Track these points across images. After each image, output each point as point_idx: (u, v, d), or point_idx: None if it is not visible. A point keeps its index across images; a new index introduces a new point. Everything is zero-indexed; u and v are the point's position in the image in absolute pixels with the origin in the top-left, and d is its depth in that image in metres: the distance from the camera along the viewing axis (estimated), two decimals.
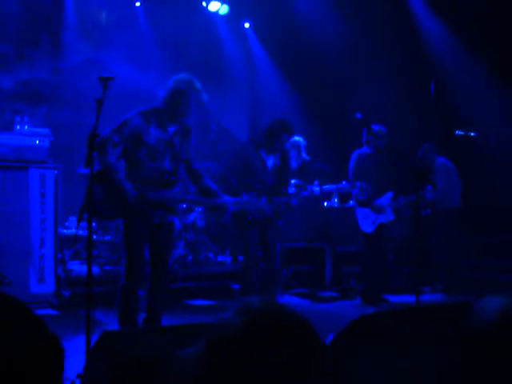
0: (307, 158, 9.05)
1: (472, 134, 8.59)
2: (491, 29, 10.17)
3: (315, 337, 1.39)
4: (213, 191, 5.74)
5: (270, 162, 6.95)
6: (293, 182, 8.11)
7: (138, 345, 3.09)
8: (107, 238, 8.90)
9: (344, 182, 7.85)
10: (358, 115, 7.11)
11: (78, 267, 8.45)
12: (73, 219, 9.54)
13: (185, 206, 9.22)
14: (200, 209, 9.93)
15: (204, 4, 12.09)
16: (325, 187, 7.27)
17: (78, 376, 3.94)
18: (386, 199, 8.12)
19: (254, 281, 6.81)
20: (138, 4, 11.81)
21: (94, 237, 8.52)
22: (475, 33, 10.39)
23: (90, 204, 4.65)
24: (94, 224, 7.92)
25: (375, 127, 7.95)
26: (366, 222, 8.08)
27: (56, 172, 7.41)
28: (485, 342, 1.49)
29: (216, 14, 12.34)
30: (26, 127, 7.56)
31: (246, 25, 13.28)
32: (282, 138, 6.90)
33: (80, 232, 9.23)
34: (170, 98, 5.55)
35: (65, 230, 9.12)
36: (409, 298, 8.00)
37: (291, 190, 7.54)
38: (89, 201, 4.59)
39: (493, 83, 10.45)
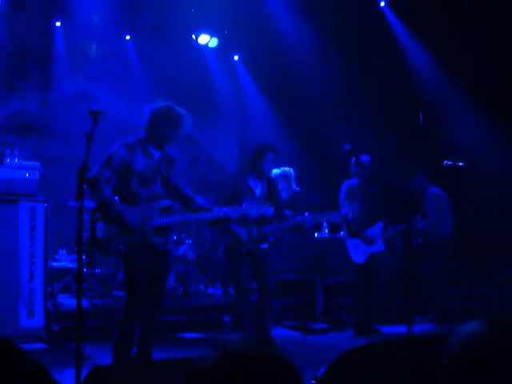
0: (297, 189, 9.05)
1: (460, 163, 8.62)
2: (478, 60, 10.29)
3: (297, 377, 1.37)
4: (208, 208, 5.73)
5: (258, 190, 6.94)
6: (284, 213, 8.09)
7: (129, 380, 3.05)
8: (97, 270, 8.84)
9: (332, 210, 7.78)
10: (347, 146, 7.14)
11: (67, 301, 8.38)
12: (63, 252, 9.49)
13: (175, 237, 9.19)
14: (190, 241, 9.90)
15: (194, 37, 12.20)
16: (312, 216, 7.21)
17: None
18: (376, 229, 8.11)
19: (246, 314, 6.76)
20: (127, 37, 11.90)
21: (84, 270, 8.46)
22: (463, 64, 10.50)
23: (92, 241, 4.63)
24: (83, 257, 7.90)
25: (361, 157, 7.98)
26: (357, 252, 8.07)
27: (46, 205, 7.38)
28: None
29: (205, 46, 12.44)
30: (16, 160, 7.55)
31: (236, 57, 13.39)
32: (267, 158, 6.86)
33: (70, 265, 9.20)
34: (153, 126, 5.56)
35: (54, 263, 9.06)
36: (401, 329, 7.96)
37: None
38: (81, 239, 4.55)
39: (480, 113, 10.54)
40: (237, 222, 6.62)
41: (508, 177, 9.63)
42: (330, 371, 3.10)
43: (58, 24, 11.20)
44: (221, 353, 1.34)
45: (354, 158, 7.80)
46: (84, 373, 2.98)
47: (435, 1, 10.29)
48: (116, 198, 5.48)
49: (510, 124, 10.02)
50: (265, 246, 6.85)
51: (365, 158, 8.00)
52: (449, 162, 8.54)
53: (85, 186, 4.67)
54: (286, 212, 7.62)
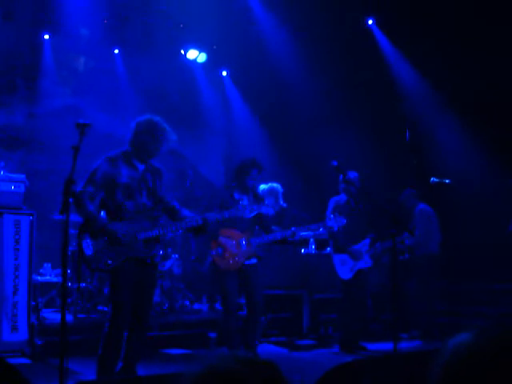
0: (284, 204, 9.05)
1: (447, 180, 8.66)
2: (465, 78, 10.37)
3: None
4: (192, 216, 5.70)
5: (246, 204, 6.92)
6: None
7: None
8: (82, 285, 8.76)
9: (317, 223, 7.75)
10: (334, 163, 7.15)
11: (51, 315, 8.30)
12: (47, 266, 9.41)
13: (162, 252, 9.15)
14: (177, 256, 9.86)
15: (182, 52, 12.22)
16: (299, 230, 7.21)
17: None
18: (363, 245, 8.11)
19: (233, 329, 6.72)
20: (116, 51, 11.90)
21: (69, 284, 8.40)
22: (449, 81, 10.58)
23: (80, 257, 4.60)
24: (68, 271, 7.84)
25: (348, 173, 7.99)
26: (344, 268, 8.05)
27: (31, 218, 7.32)
28: None
29: (194, 61, 12.47)
30: (2, 172, 7.50)
31: (224, 73, 13.43)
32: (251, 174, 6.87)
33: (54, 279, 9.13)
34: (139, 138, 5.54)
35: (39, 277, 8.98)
36: (387, 346, 7.96)
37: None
38: (66, 252, 4.51)
39: (467, 131, 10.61)
40: (225, 235, 6.63)
41: (493, 194, 9.68)
42: None
43: (46, 37, 11.19)
44: (207, 369, 1.33)
45: (341, 175, 7.80)
46: None
47: (422, 19, 10.36)
48: (103, 212, 5.44)
49: (495, 142, 10.09)
50: (254, 261, 6.83)
51: (353, 175, 8.01)
52: (435, 179, 8.59)
53: (70, 199, 4.64)
54: (272, 227, 7.61)
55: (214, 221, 5.77)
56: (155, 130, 5.54)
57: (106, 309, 8.44)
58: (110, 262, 5.27)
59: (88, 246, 5.27)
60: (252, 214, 6.42)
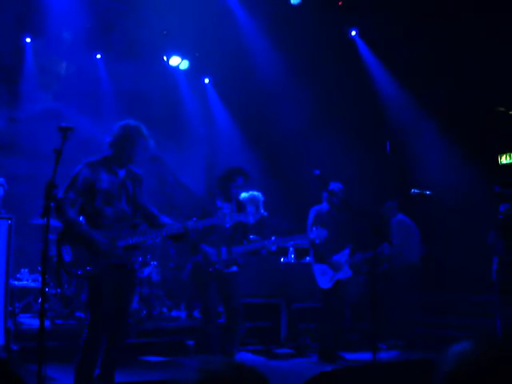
0: (265, 213, 9.05)
1: (427, 192, 8.72)
2: (447, 91, 10.47)
3: None
4: (171, 223, 5.67)
5: (226, 212, 6.91)
6: (250, 237, 8.07)
7: None
8: (60, 290, 8.68)
9: (299, 234, 7.78)
10: (317, 172, 7.16)
11: (28, 320, 8.22)
12: (25, 271, 9.32)
13: (141, 258, 9.10)
14: (156, 262, 9.82)
15: (165, 58, 12.21)
16: (281, 239, 7.22)
17: None
18: (343, 256, 8.13)
19: (212, 337, 6.69)
20: (98, 56, 11.86)
21: (46, 289, 8.31)
22: (431, 94, 10.68)
23: (59, 263, 4.55)
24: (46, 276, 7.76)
25: (331, 184, 8.02)
26: (324, 278, 8.06)
27: (9, 222, 7.23)
28: None
29: (176, 68, 12.46)
30: None
31: (206, 80, 13.45)
32: (237, 182, 6.87)
33: (31, 284, 9.04)
34: (116, 143, 5.52)
35: (16, 282, 8.89)
36: (365, 355, 7.98)
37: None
38: (45, 257, 4.47)
39: (448, 143, 10.70)
40: (206, 241, 6.62)
41: (474, 206, 9.75)
42: None
43: (28, 40, 11.12)
44: (202, 374, 1.33)
45: (323, 185, 7.83)
46: None
47: (405, 31, 10.45)
48: (81, 218, 5.39)
49: (476, 153, 10.19)
50: (234, 269, 6.82)
51: (338, 187, 8.05)
52: (416, 191, 8.64)
53: (52, 204, 4.60)
54: (252, 236, 7.63)
55: (194, 229, 5.75)
56: (133, 135, 5.51)
57: (83, 315, 8.37)
58: (89, 268, 5.22)
59: (67, 252, 5.23)
60: (231, 223, 6.41)
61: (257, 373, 1.39)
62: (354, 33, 11.85)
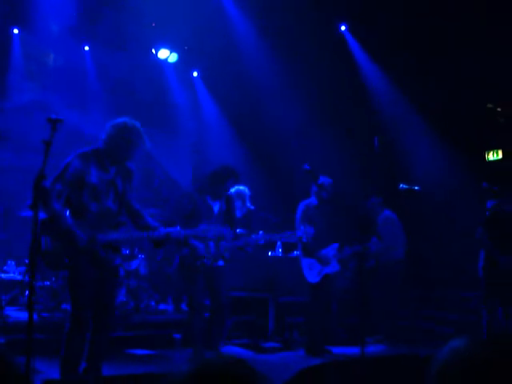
0: (252, 207, 9.04)
1: (416, 187, 8.74)
2: (436, 88, 10.50)
3: None
4: (154, 227, 5.63)
5: (216, 207, 6.92)
6: (237, 231, 8.07)
7: None
8: (46, 283, 8.65)
9: (287, 231, 7.79)
10: (306, 166, 7.17)
11: (15, 313, 8.18)
12: (11, 263, 9.27)
13: (128, 252, 9.08)
14: (143, 256, 9.80)
15: (153, 51, 12.15)
16: (269, 236, 7.25)
17: None
18: (331, 250, 8.14)
19: (199, 330, 6.69)
20: (86, 48, 11.79)
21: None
22: (420, 90, 10.70)
23: (37, 253, 4.51)
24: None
25: (321, 178, 8.03)
26: (312, 272, 8.07)
27: None
28: None
29: (165, 61, 12.41)
30: None
31: (195, 73, 13.40)
32: (227, 184, 6.89)
33: (19, 277, 8.99)
34: (112, 142, 5.46)
35: (2, 275, 8.85)
36: (351, 350, 8.01)
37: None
38: (35, 249, 4.44)
39: (436, 139, 10.74)
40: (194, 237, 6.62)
41: (461, 201, 9.80)
42: None
43: (15, 31, 11.04)
44: (197, 368, 1.33)
45: (312, 179, 7.84)
46: None
47: (395, 27, 10.46)
48: (66, 210, 5.35)
49: (463, 151, 10.23)
50: (221, 263, 6.82)
51: (327, 181, 8.07)
52: (404, 186, 8.65)
53: (40, 195, 4.56)
54: (239, 231, 7.62)
55: (176, 238, 5.72)
56: (130, 136, 5.46)
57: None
58: (66, 260, 5.20)
59: (46, 243, 5.20)
60: (214, 238, 6.42)
61: (251, 369, 1.40)
62: (343, 28, 11.84)
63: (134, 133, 5.48)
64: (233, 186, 7.19)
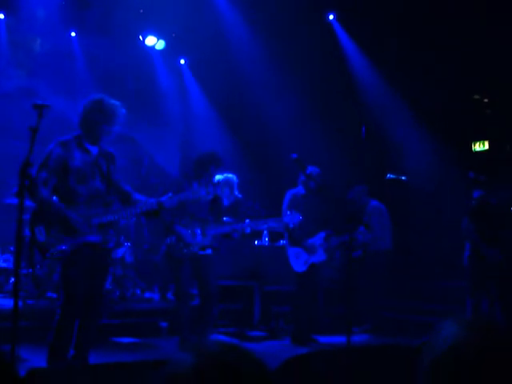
0: (239, 196, 9.03)
1: (403, 177, 8.78)
2: (424, 77, 10.51)
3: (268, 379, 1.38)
4: (146, 200, 5.62)
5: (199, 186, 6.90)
6: (224, 219, 8.06)
7: (67, 383, 2.96)
8: (31, 270, 8.60)
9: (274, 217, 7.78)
10: (294, 155, 7.16)
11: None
12: None
13: (115, 239, 9.04)
14: (129, 243, 9.77)
15: (141, 38, 12.07)
16: (255, 222, 7.25)
17: None
18: (318, 239, 8.15)
19: (185, 319, 6.69)
20: (73, 34, 11.70)
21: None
22: (407, 80, 10.71)
23: (33, 245, 4.47)
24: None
25: (309, 168, 8.03)
26: (298, 261, 8.08)
27: None
28: None
29: (152, 48, 12.34)
30: None
31: (182, 61, 13.33)
32: (210, 170, 6.87)
33: (3, 264, 8.94)
34: (85, 120, 5.45)
35: None
36: (337, 339, 8.04)
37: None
38: (20, 237, 4.40)
39: (423, 129, 10.76)
40: (181, 223, 6.61)
41: (448, 192, 9.83)
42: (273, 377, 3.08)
43: (1, 16, 10.93)
44: (201, 357, 1.32)
45: (299, 169, 7.83)
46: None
47: (382, 17, 10.44)
48: (54, 198, 5.32)
49: (450, 141, 10.27)
50: (209, 251, 6.81)
51: (315, 171, 8.07)
52: (391, 176, 8.68)
53: (26, 182, 4.53)
54: (226, 219, 7.62)
55: (169, 205, 5.68)
56: (104, 107, 5.44)
57: (55, 295, 8.32)
58: (64, 247, 5.17)
59: (41, 233, 5.17)
60: (209, 197, 6.41)
61: (254, 357, 1.39)
62: (331, 17, 11.80)
63: (106, 102, 5.46)
64: (217, 173, 7.17)
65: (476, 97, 10.25)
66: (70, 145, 5.40)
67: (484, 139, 10.85)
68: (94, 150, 5.51)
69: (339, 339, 7.78)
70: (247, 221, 7.31)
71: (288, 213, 7.50)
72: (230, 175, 8.92)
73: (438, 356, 1.48)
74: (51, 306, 7.13)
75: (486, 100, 10.45)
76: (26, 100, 8.19)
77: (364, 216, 9.34)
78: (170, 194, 5.69)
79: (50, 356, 5.25)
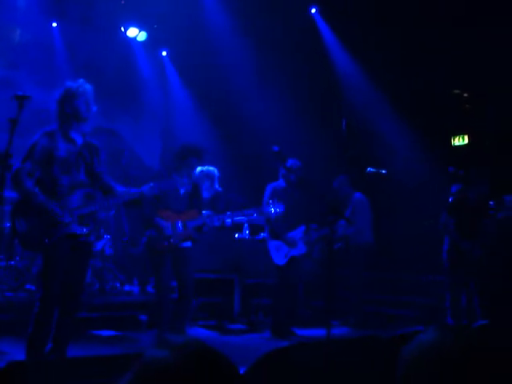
0: (220, 189, 9.03)
1: (383, 171, 8.80)
2: (405, 70, 10.54)
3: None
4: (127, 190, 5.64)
5: (183, 188, 6.90)
6: (204, 212, 8.04)
7: (45, 376, 2.95)
8: (11, 263, 8.54)
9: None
10: (276, 148, 7.16)
11: None
12: None
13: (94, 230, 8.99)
14: (109, 236, 9.73)
15: (122, 29, 12.00)
16: (236, 217, 7.24)
17: None
18: (298, 232, 8.17)
19: (165, 312, 6.68)
20: (54, 24, 11.59)
21: None
22: (389, 73, 10.74)
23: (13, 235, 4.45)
24: None
25: (289, 161, 8.04)
26: (279, 254, 8.10)
27: None
28: None
29: (134, 40, 12.27)
30: None
31: (164, 53, 13.27)
32: (191, 163, 6.86)
33: None
34: (62, 110, 5.44)
35: None
36: (316, 332, 8.08)
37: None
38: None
39: (404, 123, 10.80)
40: (161, 216, 6.61)
41: (428, 186, 9.87)
42: (251, 372, 3.09)
43: None
44: (175, 354, 1.33)
45: (280, 162, 7.84)
46: None
47: (365, 10, 10.46)
48: (37, 189, 5.29)
49: (430, 136, 10.32)
50: (188, 244, 6.80)
51: (296, 164, 8.08)
52: (371, 169, 8.70)
53: (7, 174, 4.50)
54: (206, 212, 7.60)
55: (151, 194, 5.71)
56: (72, 90, 5.44)
57: (34, 288, 8.26)
58: (46, 239, 5.14)
59: (21, 224, 5.15)
60: (189, 188, 6.41)
61: (227, 358, 1.41)
62: (314, 10, 11.80)
63: (74, 86, 5.46)
64: (197, 165, 7.16)
65: (456, 91, 10.29)
66: (55, 135, 5.39)
67: (464, 133, 10.90)
68: (78, 140, 5.49)
69: (319, 332, 7.82)
70: (228, 212, 7.30)
71: (270, 201, 7.45)
72: (211, 168, 8.92)
73: (420, 356, 1.48)
74: (30, 299, 7.09)
75: (465, 94, 10.50)
76: (6, 91, 8.11)
77: (348, 207, 9.36)
78: (151, 184, 5.70)
79: (29, 349, 5.23)
